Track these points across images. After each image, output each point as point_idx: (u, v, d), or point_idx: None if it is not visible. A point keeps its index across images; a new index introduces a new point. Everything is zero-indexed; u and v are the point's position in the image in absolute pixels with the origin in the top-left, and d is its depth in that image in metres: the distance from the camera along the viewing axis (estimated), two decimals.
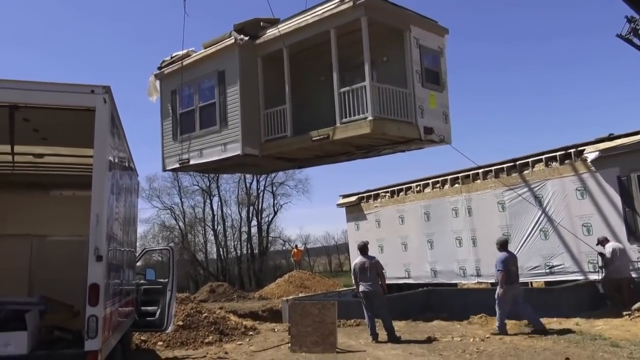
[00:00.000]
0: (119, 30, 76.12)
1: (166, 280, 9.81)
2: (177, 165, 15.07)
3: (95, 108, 5.17)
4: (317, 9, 12.23)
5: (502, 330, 10.21)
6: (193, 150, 14.44)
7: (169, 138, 15.34)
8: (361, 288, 10.70)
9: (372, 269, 10.63)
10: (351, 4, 11.44)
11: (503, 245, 10.83)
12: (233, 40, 13.29)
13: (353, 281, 11.30)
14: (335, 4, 11.83)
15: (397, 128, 11.85)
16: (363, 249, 11.13)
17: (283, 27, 12.69)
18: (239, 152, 13.27)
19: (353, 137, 11.87)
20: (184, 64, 14.35)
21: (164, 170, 16.04)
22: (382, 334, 10.50)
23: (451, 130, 13.07)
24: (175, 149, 15.04)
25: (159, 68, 15.25)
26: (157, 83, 15.50)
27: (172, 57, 14.94)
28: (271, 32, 12.99)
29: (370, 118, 11.35)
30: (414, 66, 12.14)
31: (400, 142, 12.86)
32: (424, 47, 12.44)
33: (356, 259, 11.22)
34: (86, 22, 74.99)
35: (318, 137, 12.08)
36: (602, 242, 11.85)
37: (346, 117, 11.83)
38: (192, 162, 14.51)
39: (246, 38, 13.28)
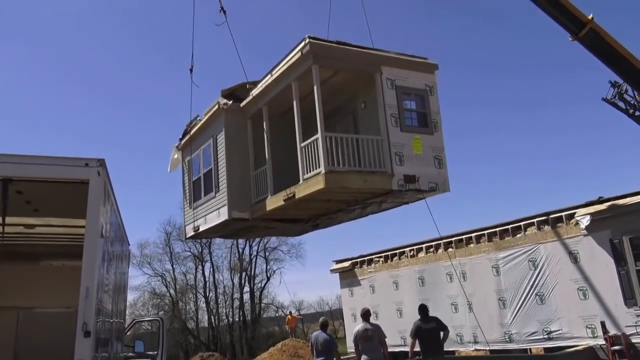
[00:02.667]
0: (117, 100, 77.63)
1: (155, 352, 9.56)
2: (192, 233, 15.16)
3: (89, 180, 5.21)
4: (280, 64, 12.03)
5: None
6: (200, 217, 14.56)
7: (187, 206, 15.59)
8: (364, 357, 10.42)
9: (374, 337, 10.42)
10: (300, 55, 11.10)
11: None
12: (217, 106, 13.51)
13: (354, 349, 11.05)
14: (292, 56, 11.53)
15: (362, 180, 10.92)
16: (366, 315, 10.95)
17: (256, 88, 12.87)
18: (226, 217, 13.13)
19: (313, 193, 11.02)
20: (192, 132, 14.65)
21: (185, 238, 16.81)
22: None
23: (448, 176, 11.93)
24: (190, 217, 15.22)
25: (180, 139, 15.58)
26: (179, 154, 15.83)
27: (186, 127, 15.27)
28: (253, 92, 13.12)
29: (323, 172, 10.60)
30: (388, 110, 11.34)
31: (375, 196, 11.88)
32: (403, 88, 11.65)
33: (357, 325, 11.00)
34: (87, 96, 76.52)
35: (286, 197, 11.54)
36: None
37: (307, 173, 11.19)
38: (201, 228, 14.55)
39: (230, 102, 13.39)
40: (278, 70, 11.99)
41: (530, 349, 14.00)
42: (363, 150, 11.11)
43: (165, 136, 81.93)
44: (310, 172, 11.05)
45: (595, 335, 12.01)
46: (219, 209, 13.53)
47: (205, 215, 14.27)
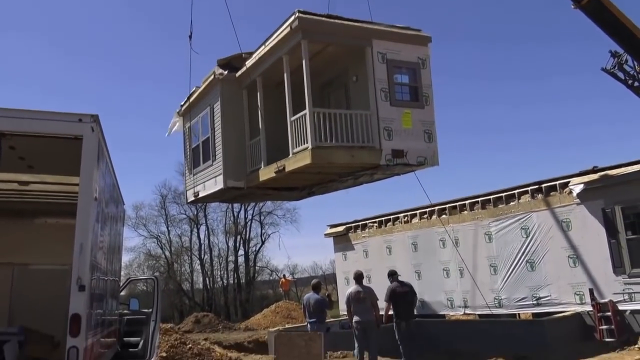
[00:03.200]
0: (114, 64, 76.54)
1: (150, 310, 9.67)
2: (193, 198, 15.45)
3: (83, 136, 5.17)
4: (272, 37, 11.98)
5: None
6: (199, 183, 14.80)
7: (187, 172, 15.82)
8: (355, 318, 10.66)
9: (366, 299, 10.63)
10: (289, 29, 11.03)
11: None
12: (213, 76, 13.50)
13: (346, 311, 11.26)
14: (281, 30, 11.47)
15: (349, 155, 11.01)
16: (359, 278, 11.16)
17: (250, 59, 12.83)
18: (221, 185, 13.29)
19: (301, 167, 11.12)
20: (191, 100, 14.73)
21: (187, 202, 18.06)
22: None
23: (437, 150, 11.94)
24: (191, 183, 15.45)
25: (182, 105, 15.63)
26: (180, 120, 15.94)
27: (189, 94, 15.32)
28: (247, 64, 13.08)
29: (310, 147, 10.70)
30: (378, 84, 11.28)
31: (364, 169, 12.00)
32: (394, 62, 11.56)
33: (350, 287, 11.19)
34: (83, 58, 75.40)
35: (277, 169, 11.67)
36: None
37: (296, 147, 11.26)
38: (200, 194, 14.80)
39: (225, 72, 13.38)
40: (270, 43, 11.93)
41: (519, 314, 14.27)
42: (352, 125, 11.11)
43: (161, 101, 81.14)
44: (299, 146, 11.15)
45: (583, 302, 12.24)
46: (215, 177, 13.69)
47: (204, 182, 14.47)
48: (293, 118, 11.35)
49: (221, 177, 13.29)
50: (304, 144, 10.93)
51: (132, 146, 77.58)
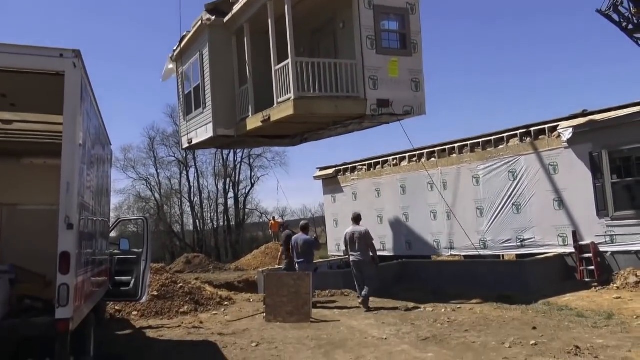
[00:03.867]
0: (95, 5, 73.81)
1: (140, 250, 9.78)
2: (187, 145, 15.42)
3: (65, 72, 5.03)
4: None
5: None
6: (192, 130, 14.71)
7: (182, 118, 15.72)
8: (352, 258, 10.96)
9: (361, 240, 10.83)
10: None
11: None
12: (201, 22, 13.13)
13: (344, 250, 11.49)
14: None
15: (333, 105, 10.85)
16: (356, 219, 11.35)
17: (236, 4, 12.44)
18: (212, 134, 13.18)
19: (285, 117, 10.99)
20: (181, 45, 14.40)
21: (182, 149, 18.36)
22: (371, 300, 10.68)
23: (425, 99, 11.76)
24: (184, 129, 15.34)
25: (174, 50, 15.23)
26: (173, 65, 15.66)
27: (180, 39, 14.94)
28: (233, 9, 12.70)
29: (292, 98, 10.55)
30: (364, 31, 10.96)
31: (349, 119, 11.83)
32: (382, 7, 11.18)
33: (347, 228, 11.37)
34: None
35: (263, 119, 11.55)
36: None
37: (280, 97, 11.09)
38: (194, 141, 14.73)
39: (213, 18, 13.01)
40: None
41: (503, 255, 14.61)
42: (337, 74, 10.87)
43: (148, 42, 78.98)
44: (282, 96, 11.00)
45: (566, 243, 12.52)
46: (206, 124, 13.61)
47: (196, 129, 14.39)
48: (277, 67, 11.15)
49: (211, 125, 13.18)
50: (288, 94, 10.78)
51: (119, 88, 76.26)
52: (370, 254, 10.89)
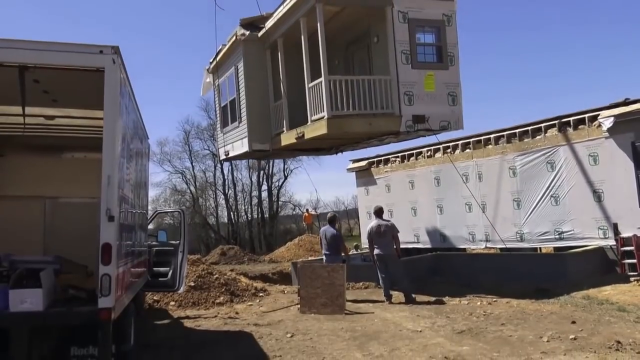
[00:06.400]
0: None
1: (178, 242, 9.97)
2: (224, 157, 15.65)
3: (105, 69, 5.16)
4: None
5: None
6: (229, 143, 14.90)
7: (219, 130, 15.87)
8: (376, 251, 10.90)
9: (387, 233, 10.79)
10: None
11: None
12: (235, 37, 13.28)
13: (368, 244, 11.45)
14: None
15: (367, 123, 10.72)
16: (379, 212, 11.29)
17: (269, 20, 12.49)
18: (247, 148, 13.28)
19: (319, 135, 10.91)
20: (217, 59, 14.59)
21: (220, 160, 18.77)
22: (395, 296, 10.67)
23: (462, 113, 11.51)
24: (221, 141, 15.55)
25: (210, 62, 15.48)
26: (210, 77, 15.85)
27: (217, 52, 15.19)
28: (266, 25, 12.76)
29: (325, 117, 10.48)
30: (399, 46, 10.81)
31: (383, 135, 11.72)
32: (417, 21, 11.04)
33: (372, 222, 11.34)
34: None
35: (297, 136, 11.54)
36: None
37: (314, 115, 11.02)
38: (230, 154, 14.98)
39: (247, 33, 13.11)
40: (287, 4, 11.57)
41: (540, 248, 14.33)
42: (370, 91, 10.74)
43: (186, 32, 79.98)
44: (316, 114, 10.97)
45: (607, 236, 12.19)
46: (242, 139, 13.74)
47: (233, 142, 14.57)
48: (310, 85, 11.11)
49: (247, 140, 13.31)
50: (321, 112, 10.73)
51: (155, 79, 77.48)
52: (394, 247, 10.82)
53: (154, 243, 10.07)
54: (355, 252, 17.10)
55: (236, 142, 14.22)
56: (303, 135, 11.35)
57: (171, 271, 9.73)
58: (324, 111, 10.60)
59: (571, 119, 12.94)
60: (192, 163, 48.30)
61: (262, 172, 48.42)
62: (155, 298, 11.09)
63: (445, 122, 11.36)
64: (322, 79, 10.61)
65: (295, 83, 12.14)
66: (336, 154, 15.12)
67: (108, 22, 75.35)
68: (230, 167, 48.00)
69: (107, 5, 75.84)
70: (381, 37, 11.39)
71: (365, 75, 11.34)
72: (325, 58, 10.68)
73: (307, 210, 38.91)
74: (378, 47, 11.65)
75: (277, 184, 49.35)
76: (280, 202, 50.12)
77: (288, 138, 12.21)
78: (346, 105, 10.64)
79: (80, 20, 73.79)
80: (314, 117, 11.07)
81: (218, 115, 15.90)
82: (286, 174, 48.83)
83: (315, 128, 10.96)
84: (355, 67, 12.56)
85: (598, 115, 12.28)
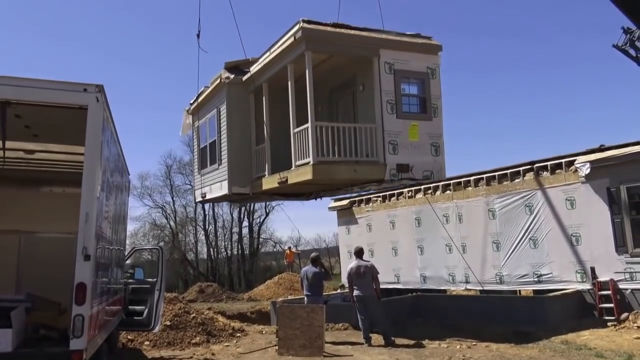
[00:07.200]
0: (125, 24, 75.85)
1: (155, 279, 9.80)
2: (200, 199, 15.57)
3: (88, 106, 5.17)
4: (276, 45, 11.79)
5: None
6: (206, 185, 14.79)
7: (196, 171, 15.84)
8: (355, 292, 10.80)
9: (367, 273, 10.74)
10: (293, 39, 10.84)
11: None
12: (219, 80, 13.39)
13: (347, 285, 11.36)
14: (286, 39, 11.28)
15: (352, 170, 10.80)
16: (359, 252, 11.25)
17: (254, 65, 12.64)
18: (226, 191, 13.19)
19: (304, 181, 10.93)
20: (199, 100, 14.60)
21: (195, 202, 18.30)
22: (374, 338, 10.56)
23: (445, 164, 11.75)
24: (199, 182, 15.45)
25: (191, 104, 15.54)
26: (190, 118, 15.89)
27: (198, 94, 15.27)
28: (252, 69, 12.88)
29: (311, 163, 10.49)
30: (385, 96, 11.00)
31: (367, 183, 11.91)
32: (402, 72, 11.26)
33: (351, 262, 11.28)
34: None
35: (280, 180, 11.51)
36: None
37: (299, 160, 11.05)
38: (207, 196, 14.85)
39: (232, 76, 13.25)
40: (275, 51, 11.73)
41: (519, 290, 14.37)
42: (356, 138, 10.86)
43: (167, 72, 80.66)
44: (301, 159, 11.00)
45: (584, 280, 12.30)
46: (221, 181, 13.64)
47: (211, 184, 14.45)
48: (296, 130, 11.15)
49: (226, 182, 13.22)
50: (306, 157, 10.75)
51: (138, 115, 77.55)
52: (374, 287, 10.76)
53: (130, 280, 9.89)
54: (336, 292, 16.96)
55: (214, 184, 14.11)
56: (286, 180, 11.32)
57: (147, 310, 9.52)
58: (309, 157, 10.60)
59: (548, 163, 13.20)
60: (172, 198, 47.84)
61: (243, 209, 48.10)
62: (129, 337, 10.82)
63: (428, 172, 11.51)
64: (308, 124, 10.64)
65: (278, 127, 12.19)
66: (315, 199, 15.11)
67: (98, 46, 75.69)
68: (211, 203, 47.71)
69: (96, 31, 76.24)
70: (367, 86, 11.56)
71: (349, 122, 11.45)
72: (312, 104, 10.74)
73: (289, 248, 38.63)
74: (363, 95, 11.79)
75: (258, 220, 49.04)
76: (261, 239, 49.71)
77: (270, 182, 12.18)
78: (332, 151, 10.69)
79: (69, 44, 74.01)
80: (298, 162, 11.07)
81: (196, 156, 15.80)
82: (267, 211, 48.56)
83: (300, 173, 10.95)
84: (339, 114, 12.65)
85: (574, 160, 12.55)
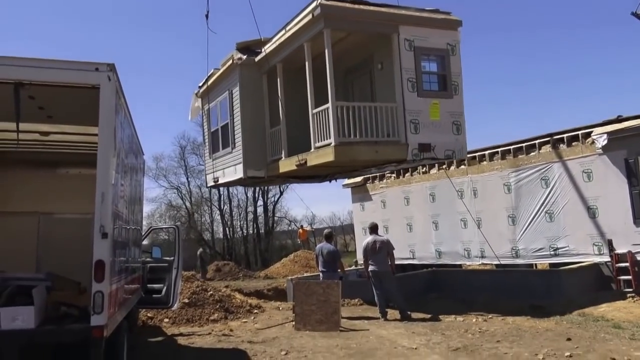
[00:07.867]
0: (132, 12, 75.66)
1: (172, 258, 9.92)
2: (212, 183, 15.28)
3: (100, 86, 5.18)
4: (292, 23, 11.49)
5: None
6: (219, 169, 14.54)
7: (207, 156, 15.56)
8: (371, 268, 10.87)
9: (382, 249, 10.77)
10: (311, 17, 10.51)
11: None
12: (232, 61, 13.09)
13: (362, 260, 11.42)
14: (303, 17, 10.96)
15: (373, 151, 10.57)
16: (374, 228, 11.28)
17: (269, 44, 12.35)
18: (241, 175, 13.00)
19: (324, 163, 10.74)
20: (209, 83, 14.31)
21: (207, 186, 17.66)
22: (390, 313, 10.63)
23: (466, 142, 11.51)
24: (210, 167, 15.21)
25: (200, 87, 15.30)
26: (199, 102, 15.61)
27: (207, 76, 14.99)
28: (265, 49, 12.57)
29: (333, 144, 10.30)
30: (405, 74, 10.73)
31: (388, 163, 11.73)
32: (422, 49, 10.96)
33: (367, 238, 11.31)
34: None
35: (298, 162, 11.27)
36: None
37: (319, 142, 10.83)
38: (220, 180, 14.61)
39: (244, 57, 12.92)
40: (291, 29, 11.42)
41: (535, 264, 14.33)
42: (376, 118, 10.64)
43: (179, 54, 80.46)
44: (321, 141, 10.77)
45: (602, 252, 12.21)
46: (235, 165, 13.37)
47: (223, 169, 14.20)
48: (315, 111, 10.89)
49: (241, 166, 12.98)
50: (327, 139, 10.52)
51: (151, 96, 77.78)
52: (389, 263, 10.81)
53: (148, 259, 10.01)
54: (351, 268, 17.03)
55: (228, 168, 13.93)
56: (305, 162, 11.10)
57: (165, 288, 9.67)
58: (330, 137, 10.39)
59: (565, 135, 13.03)
60: (187, 178, 48.18)
61: (257, 188, 48.32)
62: (149, 315, 11.01)
63: (450, 151, 11.28)
64: (329, 104, 10.41)
65: (295, 108, 11.95)
66: (330, 181, 14.96)
67: (109, 22, 75.67)
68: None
69: (107, 4, 76.18)
70: (386, 64, 11.31)
71: (366, 102, 11.23)
72: (332, 84, 10.50)
73: (301, 226, 38.82)
74: (382, 74, 11.55)
75: (272, 199, 49.25)
76: (276, 218, 49.98)
77: (287, 165, 12.00)
78: (353, 132, 10.49)
79: (72, 47, 74.12)
80: (318, 144, 10.87)
81: (206, 140, 15.55)
82: (282, 190, 48.73)
83: (320, 155, 10.75)
84: (355, 94, 12.41)
85: (591, 132, 12.37)
